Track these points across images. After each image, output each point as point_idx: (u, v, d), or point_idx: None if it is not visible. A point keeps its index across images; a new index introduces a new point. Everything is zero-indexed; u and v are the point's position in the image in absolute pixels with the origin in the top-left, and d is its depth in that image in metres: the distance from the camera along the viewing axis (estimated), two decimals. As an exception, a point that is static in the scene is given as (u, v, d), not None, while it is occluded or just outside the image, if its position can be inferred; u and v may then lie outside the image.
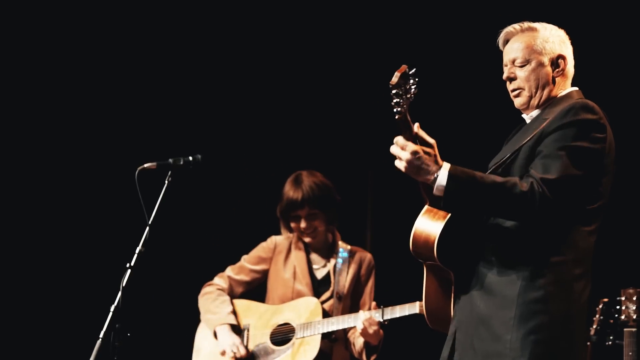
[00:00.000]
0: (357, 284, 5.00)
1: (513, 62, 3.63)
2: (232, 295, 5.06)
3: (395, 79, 3.29)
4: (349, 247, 5.07)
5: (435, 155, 3.37)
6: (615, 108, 5.77)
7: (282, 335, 4.90)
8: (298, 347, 4.81)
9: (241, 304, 5.03)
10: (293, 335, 4.86)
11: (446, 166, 3.36)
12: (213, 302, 5.01)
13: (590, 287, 3.53)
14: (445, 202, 3.37)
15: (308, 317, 4.84)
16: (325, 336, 4.82)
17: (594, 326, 4.88)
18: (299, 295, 4.95)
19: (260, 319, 4.94)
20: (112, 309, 4.07)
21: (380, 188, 6.36)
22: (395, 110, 3.31)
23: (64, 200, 6.45)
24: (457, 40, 6.08)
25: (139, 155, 4.64)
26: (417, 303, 4.58)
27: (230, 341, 4.91)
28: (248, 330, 4.96)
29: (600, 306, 4.88)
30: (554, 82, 3.61)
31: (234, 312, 5.02)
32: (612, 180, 3.55)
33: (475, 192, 3.34)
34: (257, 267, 5.10)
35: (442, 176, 3.34)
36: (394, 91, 3.29)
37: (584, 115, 3.44)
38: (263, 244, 5.14)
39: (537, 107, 3.62)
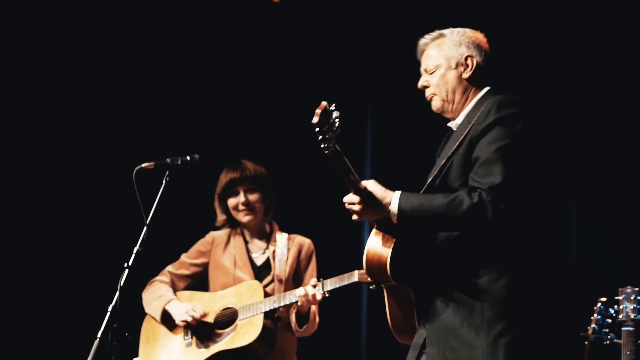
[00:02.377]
0: (298, 268, 5.04)
1: (425, 70, 3.71)
2: (175, 289, 5.09)
3: (316, 117, 3.33)
4: (286, 234, 5.13)
5: (380, 187, 3.48)
6: (614, 108, 5.82)
7: (226, 318, 4.91)
8: (241, 328, 4.82)
9: (185, 294, 5.05)
10: (236, 318, 4.87)
11: (396, 196, 3.45)
12: (156, 292, 5.03)
13: (544, 277, 3.60)
14: (401, 226, 3.46)
15: (250, 299, 4.87)
16: (268, 315, 4.83)
17: (592, 325, 4.88)
18: (240, 281, 4.98)
19: (204, 306, 4.95)
20: (109, 308, 4.07)
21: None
22: (323, 146, 3.35)
23: (62, 201, 6.45)
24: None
25: (136, 155, 4.64)
26: (356, 272, 4.62)
27: (184, 308, 4.91)
28: None
29: (598, 305, 4.89)
30: (465, 82, 3.66)
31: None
32: (548, 164, 3.59)
33: (427, 215, 3.43)
34: (197, 260, 5.14)
35: (393, 206, 3.44)
36: (317, 129, 3.33)
37: (506, 111, 3.48)
38: (201, 240, 5.19)
39: (456, 111, 3.67)
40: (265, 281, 5.00)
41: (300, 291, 4.77)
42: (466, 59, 3.66)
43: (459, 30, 3.72)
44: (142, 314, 5.03)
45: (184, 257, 5.17)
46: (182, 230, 5.38)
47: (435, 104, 3.70)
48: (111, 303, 4.07)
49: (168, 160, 4.49)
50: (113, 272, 4.17)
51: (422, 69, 3.73)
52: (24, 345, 6.37)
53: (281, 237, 5.10)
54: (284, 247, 5.06)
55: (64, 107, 6.49)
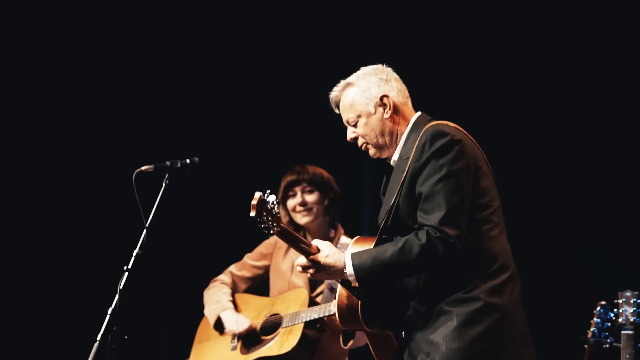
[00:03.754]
0: None
1: (348, 122, 3.73)
2: (236, 290, 5.14)
3: (253, 211, 3.45)
4: (352, 240, 5.08)
5: (332, 253, 3.56)
6: (614, 109, 5.83)
7: (270, 325, 4.95)
8: (282, 336, 4.84)
9: (241, 298, 5.10)
10: (280, 325, 4.89)
11: (348, 259, 3.52)
12: (215, 295, 5.09)
13: (519, 281, 3.59)
14: (361, 286, 3.53)
15: (296, 307, 4.88)
16: (310, 325, 4.83)
17: (592, 329, 4.88)
18: (295, 287, 4.99)
19: (254, 311, 5.00)
20: (109, 311, 4.07)
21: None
22: (267, 232, 3.50)
23: (62, 203, 6.45)
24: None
25: (136, 158, 4.64)
26: None
27: (233, 320, 4.97)
28: None
29: (598, 309, 4.89)
30: (390, 122, 3.68)
31: (234, 304, 5.08)
32: (492, 177, 3.63)
33: (383, 269, 3.48)
34: (259, 263, 5.16)
35: (349, 270, 3.51)
36: (258, 220, 3.46)
37: (438, 142, 3.51)
38: (265, 241, 5.20)
39: (391, 149, 3.70)
40: (319, 289, 4.98)
41: None
42: (382, 99, 3.68)
43: (362, 72, 3.74)
44: (140, 317, 5.03)
45: (246, 258, 5.20)
46: (182, 233, 5.38)
47: (371, 152, 3.74)
48: (111, 306, 4.07)
49: (168, 163, 4.49)
50: (113, 274, 4.17)
51: (344, 121, 3.76)
52: (25, 348, 6.37)
53: (345, 242, 5.01)
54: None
55: (65, 111, 6.50)
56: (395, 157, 3.69)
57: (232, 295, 5.10)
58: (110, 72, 6.48)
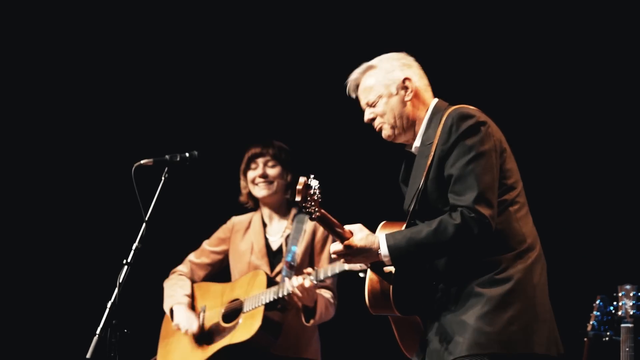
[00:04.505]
0: (312, 253, 4.92)
1: (368, 104, 3.77)
2: (195, 279, 5.07)
3: (299, 196, 3.50)
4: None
5: (366, 235, 3.58)
6: (615, 108, 5.82)
7: (231, 311, 4.87)
8: (244, 322, 4.77)
9: (200, 287, 5.04)
10: (241, 311, 4.81)
11: (382, 240, 3.54)
12: (170, 288, 5.03)
13: (545, 262, 3.63)
14: (396, 266, 3.55)
15: (255, 290, 4.80)
16: (270, 307, 4.74)
17: (591, 322, 4.89)
18: (255, 269, 4.92)
19: (214, 299, 4.94)
20: (109, 305, 4.07)
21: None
22: (309, 217, 3.54)
23: (61, 197, 6.45)
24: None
25: (135, 151, 4.63)
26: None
27: (184, 317, 4.90)
28: (204, 312, 4.96)
29: (597, 302, 4.89)
30: (410, 105, 3.72)
31: (192, 296, 5.02)
32: (513, 157, 3.66)
33: (417, 249, 3.51)
34: (217, 248, 5.10)
35: (383, 250, 3.54)
36: (303, 204, 3.51)
37: (464, 124, 3.55)
38: (223, 226, 5.14)
39: (408, 135, 3.74)
40: (278, 268, 4.91)
41: (295, 281, 4.66)
42: (404, 81, 3.72)
43: (385, 57, 3.79)
44: (141, 310, 5.02)
45: (205, 245, 5.12)
46: (181, 226, 5.38)
47: (386, 133, 3.77)
48: (110, 299, 4.07)
49: (167, 156, 4.49)
50: (112, 268, 4.17)
51: (363, 103, 3.80)
52: (24, 342, 6.38)
53: (301, 219, 4.97)
54: (300, 231, 4.93)
55: (63, 105, 6.50)
56: (417, 143, 3.72)
57: (192, 285, 5.03)
58: (109, 66, 6.48)
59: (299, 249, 4.87)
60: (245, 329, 4.74)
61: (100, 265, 5.26)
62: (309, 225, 4.91)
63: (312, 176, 3.54)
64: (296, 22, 6.42)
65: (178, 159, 4.51)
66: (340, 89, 6.31)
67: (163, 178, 4.41)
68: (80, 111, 6.49)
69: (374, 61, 3.79)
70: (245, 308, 4.79)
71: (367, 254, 3.58)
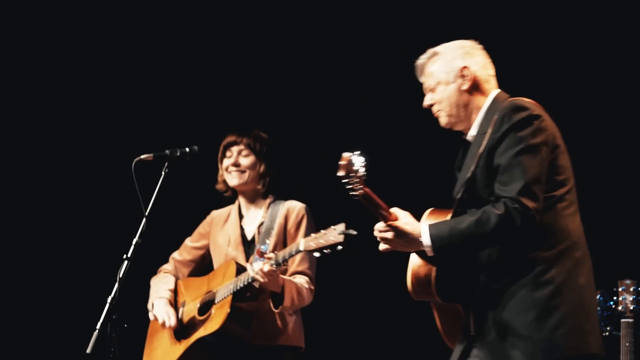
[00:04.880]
0: (285, 240, 4.81)
1: (427, 89, 3.79)
2: (180, 276, 5.03)
3: (341, 171, 3.45)
4: (282, 202, 4.91)
5: (411, 222, 3.57)
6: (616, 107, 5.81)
7: (205, 303, 4.80)
8: (215, 313, 4.69)
9: (183, 283, 4.99)
10: (213, 302, 4.74)
11: (425, 229, 3.53)
12: (155, 284, 4.99)
13: (591, 262, 3.61)
14: (437, 256, 3.54)
15: (226, 280, 4.72)
16: (240, 296, 4.64)
17: (591, 317, 4.88)
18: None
19: (194, 292, 4.88)
20: (109, 300, 4.07)
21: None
22: (352, 195, 3.48)
23: (62, 192, 6.45)
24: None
25: (135, 146, 4.63)
26: (302, 240, 4.37)
27: (163, 310, 4.85)
28: (183, 306, 4.93)
29: (597, 297, 4.89)
30: (467, 94, 3.73)
31: (175, 291, 4.98)
32: (568, 155, 3.64)
33: (460, 240, 3.50)
34: (198, 243, 5.04)
35: (425, 239, 3.53)
36: (345, 181, 3.46)
37: (517, 115, 3.55)
38: (203, 221, 5.08)
39: (465, 123, 3.74)
40: (252, 258, 4.78)
41: (255, 266, 4.53)
42: (462, 70, 3.72)
43: (451, 44, 3.80)
44: (141, 306, 5.03)
45: (187, 241, 5.08)
46: (181, 222, 5.37)
47: (443, 121, 3.78)
48: (110, 294, 4.07)
49: (167, 151, 4.49)
50: (112, 263, 4.17)
51: (424, 88, 3.82)
52: (24, 337, 6.38)
53: (275, 206, 4.89)
54: (273, 218, 4.84)
55: (63, 100, 6.49)
56: (472, 132, 3.72)
57: (177, 281, 4.99)
58: (109, 61, 6.47)
59: (272, 237, 4.79)
60: (215, 319, 4.65)
61: (101, 260, 5.26)
62: (282, 213, 4.84)
63: (357, 152, 3.48)
64: (299, 18, 6.41)
65: (178, 153, 4.51)
66: (332, 83, 6.31)
67: (163, 173, 4.40)
68: (81, 106, 6.49)
69: (439, 47, 3.80)
70: (217, 299, 4.71)
71: (408, 240, 3.56)
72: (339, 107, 6.36)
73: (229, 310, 4.60)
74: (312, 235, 4.32)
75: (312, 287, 4.75)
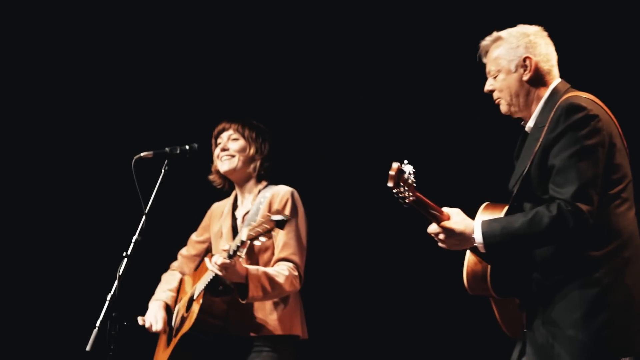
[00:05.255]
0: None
1: (489, 74, 3.78)
2: (187, 271, 4.97)
3: (390, 182, 3.48)
4: (272, 187, 4.79)
5: (462, 219, 3.59)
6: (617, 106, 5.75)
7: (190, 299, 4.74)
8: (192, 308, 4.62)
9: (186, 278, 4.95)
10: (193, 298, 4.68)
11: (478, 226, 3.55)
12: (160, 285, 4.95)
13: None
14: (489, 255, 3.56)
15: (204, 274, 4.64)
16: (212, 290, 4.57)
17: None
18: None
19: (188, 289, 4.84)
20: (108, 297, 4.07)
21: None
22: (403, 202, 3.53)
23: (62, 190, 6.44)
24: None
25: (135, 144, 4.63)
26: (245, 229, 4.30)
27: (152, 314, 4.79)
28: (178, 304, 4.91)
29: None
30: (528, 84, 3.71)
31: (177, 290, 4.92)
32: (626, 152, 3.64)
33: (512, 239, 3.51)
34: (201, 237, 4.97)
35: (477, 237, 3.55)
36: (395, 190, 3.50)
37: (573, 116, 3.52)
38: (205, 215, 5.01)
39: (524, 112, 3.74)
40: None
41: (213, 259, 4.44)
42: (524, 60, 3.70)
43: (516, 31, 3.77)
44: (141, 303, 5.03)
45: (192, 236, 5.01)
46: (180, 219, 5.37)
47: (503, 109, 3.78)
48: (110, 292, 4.07)
49: (167, 149, 4.49)
50: (112, 261, 4.17)
51: (487, 71, 3.80)
52: (24, 335, 6.38)
53: (265, 193, 4.78)
54: (258, 207, 4.72)
55: (63, 97, 6.48)
56: (530, 123, 3.72)
57: (182, 278, 4.93)
58: (109, 59, 6.46)
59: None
60: (192, 314, 4.60)
61: (100, 257, 5.26)
62: (267, 198, 4.72)
63: (405, 161, 3.51)
64: (299, 18, 6.41)
65: (178, 151, 4.51)
66: (331, 81, 6.27)
67: (163, 170, 4.41)
68: (81, 104, 6.48)
69: (504, 33, 3.77)
70: (195, 294, 4.66)
71: (461, 238, 3.58)
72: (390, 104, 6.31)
73: (200, 303, 4.54)
74: (252, 224, 4.27)
75: (297, 273, 4.61)
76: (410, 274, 6.04)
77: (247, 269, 4.48)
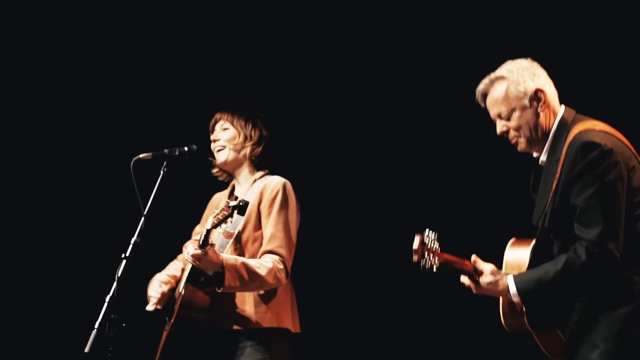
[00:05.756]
0: (259, 217, 4.63)
1: (499, 116, 3.74)
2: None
3: (415, 257, 3.59)
4: (267, 177, 4.72)
5: (493, 278, 3.66)
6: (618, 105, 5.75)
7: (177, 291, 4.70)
8: (177, 301, 4.57)
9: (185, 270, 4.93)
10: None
11: (512, 283, 3.62)
12: (163, 270, 4.83)
13: None
14: (527, 305, 3.63)
15: (186, 268, 4.61)
16: (193, 281, 4.51)
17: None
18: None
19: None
20: (107, 299, 4.07)
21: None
22: (430, 270, 3.63)
23: (60, 192, 6.44)
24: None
25: (134, 145, 4.63)
26: (210, 218, 4.31)
27: (150, 288, 4.67)
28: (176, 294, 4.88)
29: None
30: (542, 116, 3.71)
31: (177, 280, 4.76)
32: None
33: (547, 289, 3.58)
34: (202, 228, 4.96)
35: (513, 294, 3.62)
36: (420, 262, 3.61)
37: (589, 155, 3.54)
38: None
39: (540, 144, 3.73)
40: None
41: (187, 251, 4.39)
42: (536, 93, 3.70)
43: (513, 66, 3.75)
44: (139, 305, 5.02)
45: (195, 228, 4.97)
46: (179, 221, 5.37)
47: (522, 146, 3.76)
48: (109, 294, 4.07)
49: (166, 150, 4.49)
50: (111, 262, 4.17)
51: (492, 114, 3.77)
52: (23, 336, 6.38)
53: (259, 183, 4.71)
54: (250, 197, 4.62)
55: (62, 99, 6.48)
56: (543, 157, 3.73)
57: (183, 268, 4.83)
58: (108, 60, 6.46)
59: (244, 217, 4.56)
60: (175, 311, 4.55)
61: (99, 259, 5.26)
62: (259, 189, 4.65)
63: (427, 230, 3.60)
64: (299, 17, 6.41)
65: (177, 153, 4.51)
66: (332, 81, 6.28)
67: (162, 172, 4.41)
68: (79, 106, 6.48)
69: (503, 71, 3.74)
70: (180, 286, 4.60)
71: (496, 292, 3.66)
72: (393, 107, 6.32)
73: (182, 297, 4.48)
74: (216, 211, 4.31)
75: (282, 267, 4.52)
76: (405, 268, 6.03)
77: (223, 258, 4.40)
